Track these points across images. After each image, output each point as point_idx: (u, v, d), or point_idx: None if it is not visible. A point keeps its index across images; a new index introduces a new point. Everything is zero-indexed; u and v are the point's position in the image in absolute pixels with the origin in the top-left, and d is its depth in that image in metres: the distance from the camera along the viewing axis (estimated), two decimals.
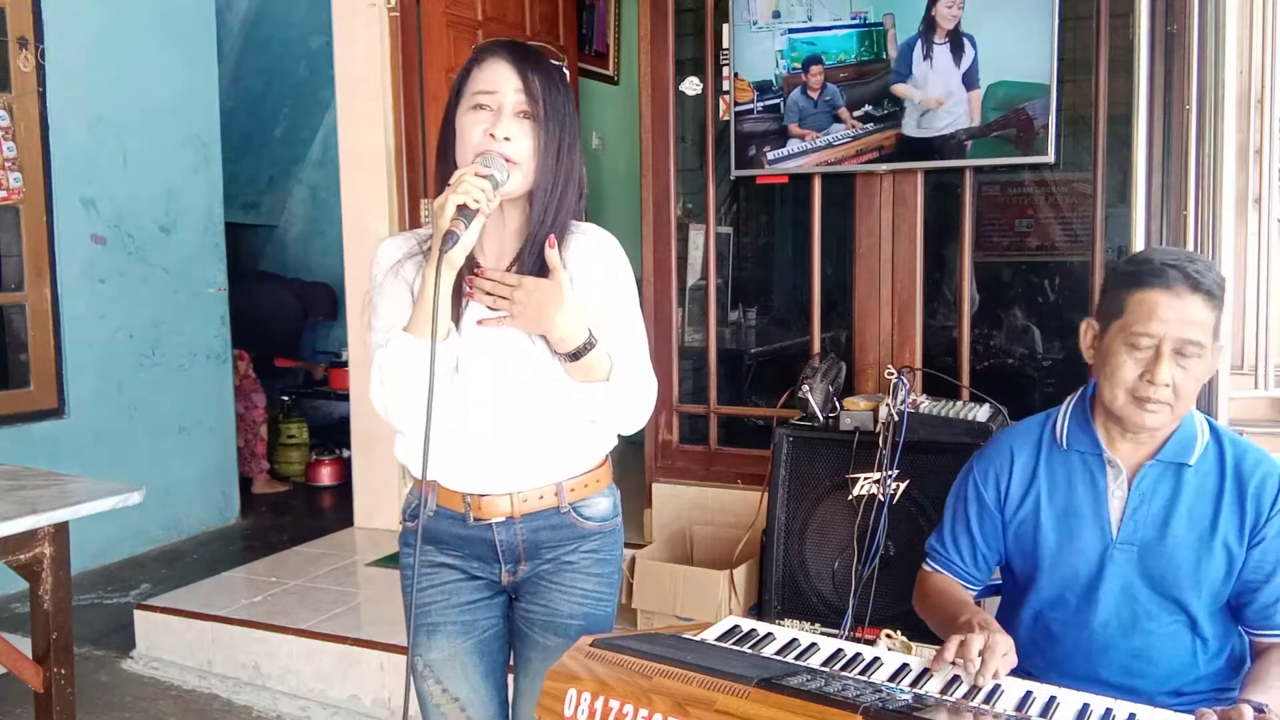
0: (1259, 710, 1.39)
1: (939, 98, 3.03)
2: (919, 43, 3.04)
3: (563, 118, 1.49)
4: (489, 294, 1.46)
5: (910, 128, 3.08)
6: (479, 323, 1.46)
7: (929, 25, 3.03)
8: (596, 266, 1.54)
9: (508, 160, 1.45)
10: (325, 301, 6.01)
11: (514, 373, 1.51)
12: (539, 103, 1.46)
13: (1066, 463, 1.68)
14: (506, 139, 1.45)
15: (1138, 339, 1.53)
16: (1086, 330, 1.67)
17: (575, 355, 1.45)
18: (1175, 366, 1.52)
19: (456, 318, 1.50)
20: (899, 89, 3.08)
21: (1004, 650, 1.44)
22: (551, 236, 1.44)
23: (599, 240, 1.57)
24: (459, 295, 1.50)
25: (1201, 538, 1.59)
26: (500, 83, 1.46)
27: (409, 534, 1.65)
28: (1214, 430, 1.64)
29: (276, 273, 6.23)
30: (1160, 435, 1.62)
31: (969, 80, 2.98)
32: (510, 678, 1.70)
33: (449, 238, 1.36)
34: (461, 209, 1.37)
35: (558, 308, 1.43)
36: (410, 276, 1.54)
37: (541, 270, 1.48)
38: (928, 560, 1.83)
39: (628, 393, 1.52)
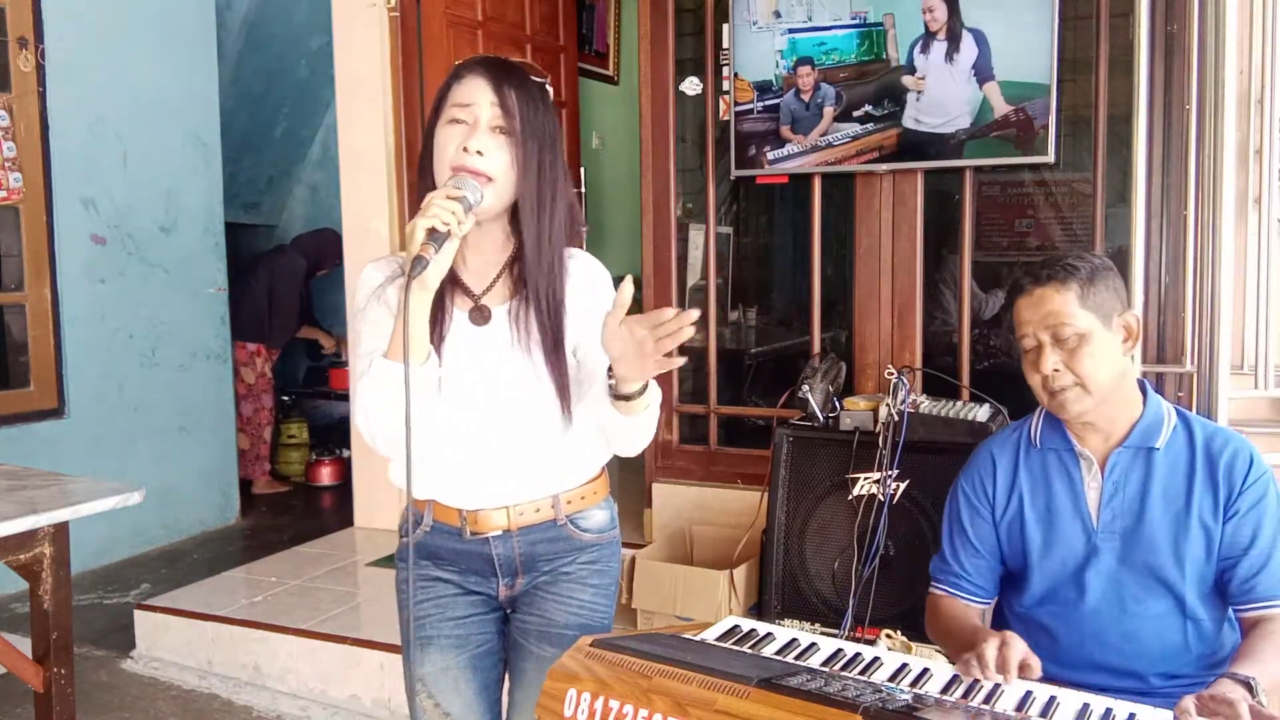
0: (1245, 683, 1.39)
1: (919, 78, 3.03)
2: (919, 41, 3.04)
3: (542, 135, 1.47)
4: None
5: (909, 121, 3.08)
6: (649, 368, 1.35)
7: (925, 26, 3.04)
8: (585, 298, 1.53)
9: (478, 175, 1.42)
10: (333, 246, 5.41)
11: (508, 387, 1.51)
12: (515, 118, 1.44)
13: (1043, 461, 1.75)
14: (479, 153, 1.43)
15: (1022, 344, 1.69)
16: None
17: (640, 393, 1.41)
18: (1058, 352, 1.63)
19: (439, 339, 1.48)
20: (905, 80, 3.08)
21: (1021, 650, 1.45)
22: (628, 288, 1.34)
23: (587, 267, 1.56)
24: (439, 317, 1.48)
25: (1177, 517, 1.65)
26: (476, 96, 1.45)
27: (404, 550, 1.64)
28: (1181, 415, 1.71)
29: (275, 246, 5.89)
30: (1122, 424, 1.69)
31: (982, 74, 2.97)
32: (505, 689, 1.69)
33: (417, 263, 1.33)
34: (431, 233, 1.34)
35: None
36: (393, 301, 1.51)
37: (545, 295, 1.48)
38: (933, 584, 1.85)
39: (653, 422, 1.50)
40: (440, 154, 1.47)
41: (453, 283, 1.50)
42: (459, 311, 1.52)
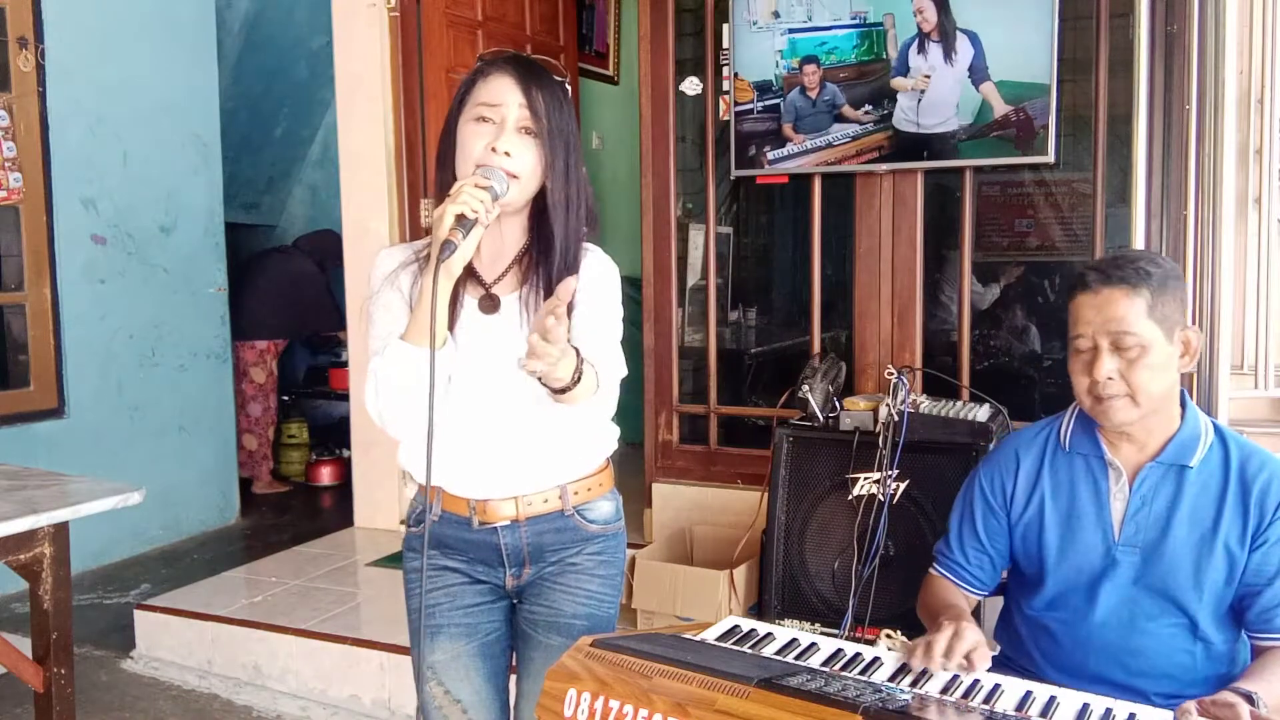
0: (1247, 697, 1.39)
1: (924, 77, 3.03)
2: (915, 41, 3.04)
3: (567, 135, 1.50)
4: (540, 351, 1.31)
5: (903, 124, 3.08)
6: (523, 367, 1.33)
7: (917, 27, 3.04)
8: (584, 290, 1.52)
9: (508, 173, 1.45)
10: (334, 247, 5.35)
11: (514, 378, 1.51)
12: (542, 119, 1.47)
13: (1070, 465, 1.70)
14: (507, 153, 1.45)
15: (1076, 343, 1.61)
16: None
17: (564, 389, 1.40)
18: (1116, 360, 1.56)
19: (450, 325, 1.50)
20: (895, 82, 3.08)
21: (972, 640, 1.46)
22: (569, 281, 1.33)
23: (595, 264, 1.57)
24: (454, 304, 1.50)
25: (1203, 539, 1.60)
26: (504, 96, 1.47)
27: (414, 539, 1.65)
28: (1219, 432, 1.65)
29: (275, 246, 5.89)
30: (1159, 436, 1.63)
31: (977, 75, 2.97)
32: (512, 680, 1.70)
33: (446, 247, 1.36)
34: (460, 219, 1.37)
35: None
36: (406, 286, 1.55)
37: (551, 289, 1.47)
38: (933, 564, 1.84)
39: (604, 401, 1.51)
40: (465, 151, 1.48)
41: (465, 271, 1.51)
42: (469, 299, 1.54)
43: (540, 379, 1.38)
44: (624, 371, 1.56)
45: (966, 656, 1.45)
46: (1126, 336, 1.55)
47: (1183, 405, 1.65)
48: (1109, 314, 1.56)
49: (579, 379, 1.38)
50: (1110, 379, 1.56)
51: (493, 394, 1.52)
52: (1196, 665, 1.63)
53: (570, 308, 1.50)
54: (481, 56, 1.55)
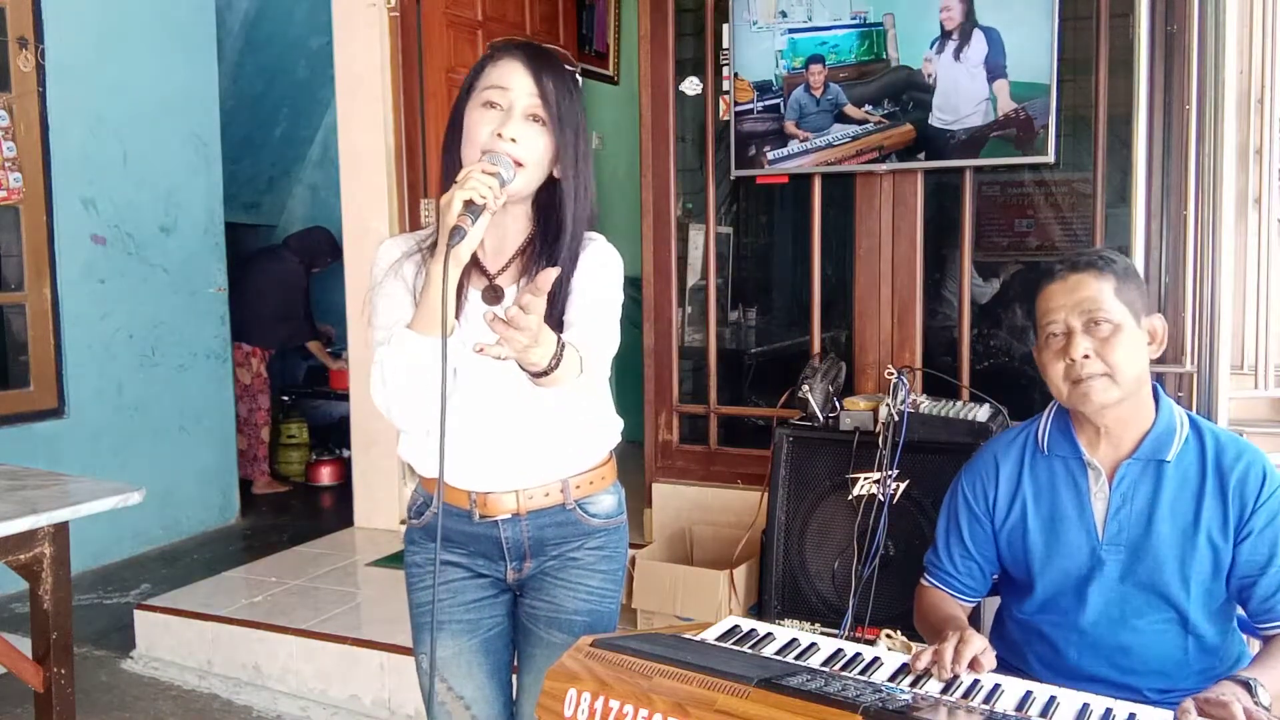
0: (1244, 684, 1.39)
1: (928, 74, 3.03)
2: (937, 40, 3.03)
3: (577, 124, 1.49)
4: (505, 336, 1.29)
5: (934, 120, 3.06)
6: (478, 350, 1.31)
7: (940, 26, 3.03)
8: (581, 279, 1.52)
9: (514, 161, 1.44)
10: (325, 245, 5.52)
11: (516, 370, 1.51)
12: (551, 106, 1.46)
13: (1050, 468, 1.71)
14: (513, 140, 1.44)
15: (1049, 329, 1.63)
16: (1036, 355, 1.72)
17: (543, 374, 1.36)
18: (1091, 339, 1.59)
19: (456, 315, 1.49)
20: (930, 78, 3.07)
21: (979, 645, 1.46)
22: (550, 272, 1.29)
23: (598, 253, 1.55)
24: (459, 295, 1.49)
25: (1185, 533, 1.61)
26: (513, 82, 1.46)
27: (414, 531, 1.65)
28: (1194, 424, 1.66)
29: (266, 246, 5.85)
30: (1134, 432, 1.64)
31: (993, 71, 2.96)
32: (514, 675, 1.70)
33: (456, 233, 1.34)
34: (468, 205, 1.35)
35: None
36: (409, 275, 1.53)
37: (562, 277, 1.46)
38: (924, 575, 1.85)
39: (590, 384, 1.48)
40: (472, 136, 1.47)
41: (469, 262, 1.50)
42: (472, 290, 1.53)
43: (519, 364, 1.35)
44: (613, 350, 1.52)
45: (973, 661, 1.45)
46: (1099, 313, 1.58)
47: (1156, 399, 1.66)
48: (1080, 295, 1.60)
49: (557, 363, 1.34)
50: (1087, 357, 1.58)
51: (495, 386, 1.51)
52: (1189, 660, 1.64)
53: (567, 294, 1.50)
54: (493, 44, 1.54)
